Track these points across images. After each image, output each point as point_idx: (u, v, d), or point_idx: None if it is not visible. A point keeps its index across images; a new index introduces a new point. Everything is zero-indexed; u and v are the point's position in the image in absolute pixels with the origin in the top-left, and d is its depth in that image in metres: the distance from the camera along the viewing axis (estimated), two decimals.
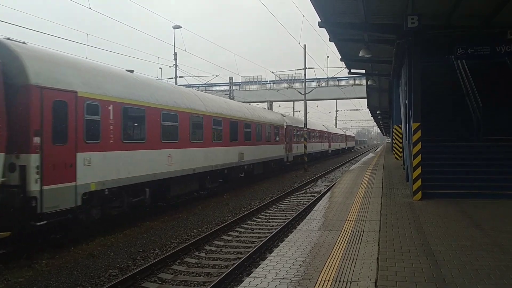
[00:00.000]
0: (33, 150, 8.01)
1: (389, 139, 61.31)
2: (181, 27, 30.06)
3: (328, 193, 11.88)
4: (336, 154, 58.23)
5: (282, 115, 29.15)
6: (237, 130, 18.52)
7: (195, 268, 8.03)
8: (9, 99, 7.89)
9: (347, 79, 52.18)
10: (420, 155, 10.29)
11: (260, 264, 5.49)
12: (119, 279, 6.98)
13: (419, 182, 10.25)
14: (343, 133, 68.96)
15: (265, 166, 23.45)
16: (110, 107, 10.13)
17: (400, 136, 22.03)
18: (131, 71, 12.68)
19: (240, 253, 8.98)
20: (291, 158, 28.70)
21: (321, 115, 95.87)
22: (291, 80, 52.42)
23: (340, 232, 6.98)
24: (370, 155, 39.64)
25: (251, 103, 38.89)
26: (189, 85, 37.70)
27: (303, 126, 31.33)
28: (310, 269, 5.08)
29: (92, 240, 9.74)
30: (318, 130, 41.27)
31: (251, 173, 21.15)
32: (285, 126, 27.38)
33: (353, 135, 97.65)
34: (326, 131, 46.64)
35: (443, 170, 11.55)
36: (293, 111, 65.82)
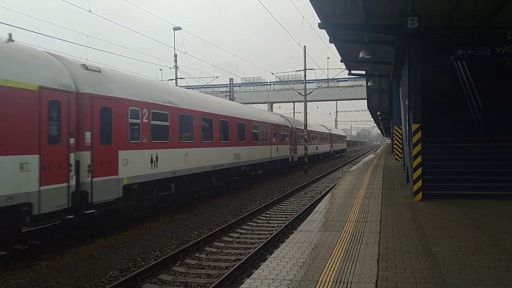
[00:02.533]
0: None
1: (389, 140, 61.19)
2: (181, 28, 30.15)
3: (328, 194, 11.87)
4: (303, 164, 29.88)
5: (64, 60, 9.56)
6: None
7: (196, 269, 8.03)
8: None
9: (347, 80, 52.32)
10: (420, 156, 10.30)
11: (260, 266, 5.49)
12: (120, 281, 6.98)
13: (419, 183, 10.25)
14: (327, 131, 47.33)
15: None
16: None
17: (400, 137, 22.03)
18: None
19: (241, 254, 8.97)
20: (108, 193, 9.97)
21: (322, 116, 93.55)
22: (291, 81, 52.48)
23: (340, 233, 6.98)
24: (371, 156, 39.64)
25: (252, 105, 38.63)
26: (189, 86, 37.74)
27: (188, 106, 14.18)
28: (310, 270, 5.08)
29: (93, 241, 9.74)
30: (260, 122, 21.93)
31: None
32: (66, 95, 8.87)
33: (344, 134, 68.51)
34: (280, 125, 25.94)
35: (444, 171, 11.55)
36: (293, 112, 65.91)
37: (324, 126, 49.85)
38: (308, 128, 33.23)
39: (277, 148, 25.04)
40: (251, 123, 20.63)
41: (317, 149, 37.72)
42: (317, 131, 39.46)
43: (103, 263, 8.29)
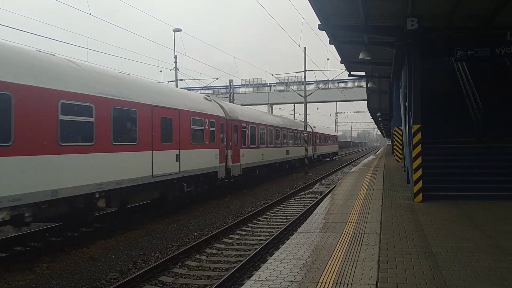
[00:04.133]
0: None
1: (390, 141, 61.07)
2: (181, 30, 30.22)
3: (328, 196, 11.87)
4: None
5: None
6: None
7: (196, 271, 8.02)
8: None
9: (347, 82, 52.36)
10: (420, 157, 10.30)
11: (261, 267, 5.48)
12: (120, 282, 6.97)
13: (419, 184, 10.25)
14: (312, 130, 37.20)
15: None
16: None
17: (401, 138, 22.03)
18: None
19: (241, 255, 8.97)
20: None
21: (322, 118, 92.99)
22: (292, 82, 52.47)
23: (340, 234, 6.98)
24: (371, 157, 39.63)
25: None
26: (189, 87, 37.79)
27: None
28: (311, 271, 5.08)
29: (93, 243, 9.74)
30: (111, 99, 9.88)
31: None
32: None
33: (335, 134, 57.41)
34: (190, 111, 13.76)
35: (444, 172, 11.55)
36: (294, 114, 65.89)
37: (310, 124, 39.23)
38: (272, 123, 24.49)
39: (178, 155, 12.97)
40: (63, 97, 8.50)
41: (287, 154, 26.27)
42: (288, 128, 27.72)
43: (104, 265, 8.29)
